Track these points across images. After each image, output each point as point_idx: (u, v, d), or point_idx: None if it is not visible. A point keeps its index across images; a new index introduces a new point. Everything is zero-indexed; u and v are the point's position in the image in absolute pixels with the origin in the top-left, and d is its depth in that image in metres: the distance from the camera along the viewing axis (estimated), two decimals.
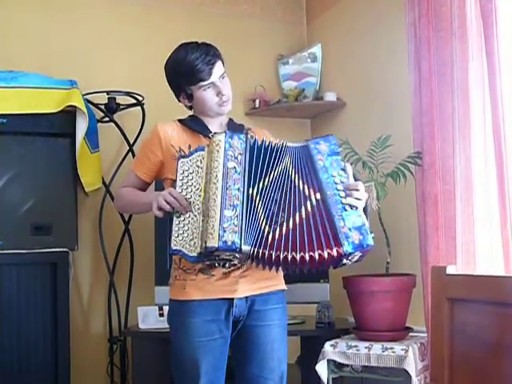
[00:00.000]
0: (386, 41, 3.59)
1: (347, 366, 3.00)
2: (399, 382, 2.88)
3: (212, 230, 2.07)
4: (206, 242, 2.07)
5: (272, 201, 2.14)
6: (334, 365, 3.01)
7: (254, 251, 2.09)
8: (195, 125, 2.48)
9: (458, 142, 2.81)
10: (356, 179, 2.23)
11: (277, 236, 2.10)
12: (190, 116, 2.55)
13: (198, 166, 2.22)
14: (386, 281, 2.99)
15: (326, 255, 2.06)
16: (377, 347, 2.88)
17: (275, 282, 2.42)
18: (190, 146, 2.37)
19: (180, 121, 2.52)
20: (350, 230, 2.08)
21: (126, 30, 3.92)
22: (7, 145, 3.25)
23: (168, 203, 2.20)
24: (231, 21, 4.19)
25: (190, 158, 2.25)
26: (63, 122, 3.32)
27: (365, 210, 2.20)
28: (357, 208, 2.13)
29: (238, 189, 2.13)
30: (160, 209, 2.23)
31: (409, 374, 2.76)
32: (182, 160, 2.26)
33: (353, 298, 3.05)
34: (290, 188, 2.16)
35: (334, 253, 2.06)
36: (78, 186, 3.49)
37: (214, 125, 2.49)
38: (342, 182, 2.16)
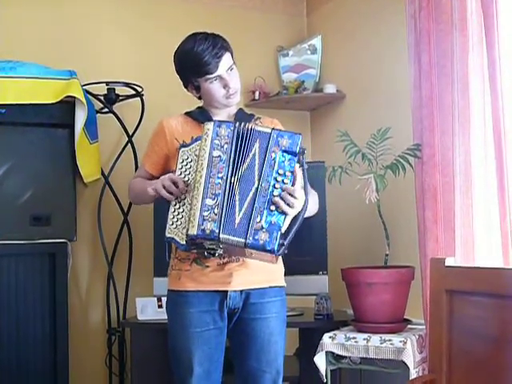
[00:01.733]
0: (386, 33, 3.58)
1: (345, 357, 3.00)
2: (397, 374, 2.88)
3: (193, 219, 2.12)
4: (188, 230, 2.12)
5: (244, 187, 2.16)
6: (333, 356, 3.01)
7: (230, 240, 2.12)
8: (200, 116, 2.48)
9: (457, 135, 2.80)
10: (305, 190, 2.19)
11: (237, 221, 2.13)
12: (198, 107, 2.56)
13: (196, 155, 2.22)
14: (385, 273, 2.98)
15: (240, 242, 2.10)
16: (375, 339, 2.88)
17: (272, 277, 2.42)
18: (192, 138, 2.37)
19: (187, 113, 2.53)
20: (262, 228, 2.09)
21: (125, 20, 3.91)
22: (6, 135, 3.24)
23: (164, 187, 2.22)
24: (231, 12, 4.17)
25: (190, 147, 2.27)
26: (62, 112, 3.31)
27: (295, 219, 2.15)
28: (283, 213, 2.11)
29: (222, 177, 2.16)
30: (155, 190, 2.26)
31: (407, 365, 2.76)
32: (182, 149, 2.28)
33: (351, 290, 3.05)
34: (252, 173, 2.17)
35: (241, 243, 2.10)
36: (77, 177, 3.49)
37: (222, 115, 2.49)
38: (282, 182, 2.13)
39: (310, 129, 4.33)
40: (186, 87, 2.51)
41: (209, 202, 2.12)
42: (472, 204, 2.76)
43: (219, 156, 2.17)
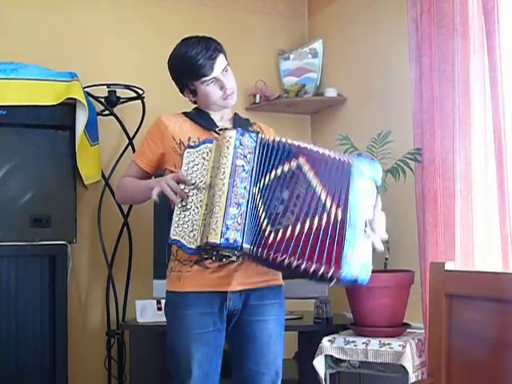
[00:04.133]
0: (388, 37, 3.58)
1: (345, 361, 3.00)
2: (396, 378, 2.88)
3: (215, 226, 2.04)
4: (207, 237, 2.04)
5: (276, 199, 2.10)
6: (332, 360, 3.01)
7: (253, 250, 2.06)
8: (200, 118, 2.48)
9: (458, 139, 2.81)
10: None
11: (279, 238, 2.06)
12: (195, 109, 2.55)
13: (204, 159, 2.19)
14: (385, 277, 2.98)
15: (320, 271, 2.03)
16: (374, 343, 2.88)
17: (271, 276, 2.41)
18: (189, 138, 2.36)
19: (185, 113, 2.52)
20: (354, 261, 2.04)
21: (126, 23, 3.92)
22: (7, 137, 3.24)
23: (170, 187, 2.17)
24: (232, 15, 4.18)
25: (197, 149, 2.22)
26: (63, 114, 3.31)
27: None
28: (371, 243, 2.09)
29: (245, 187, 2.10)
30: (159, 191, 2.19)
31: (406, 369, 2.77)
32: (188, 150, 2.23)
33: (351, 294, 3.04)
34: (306, 192, 2.09)
35: (330, 273, 2.03)
36: (77, 179, 3.48)
37: (216, 117, 2.49)
38: (367, 214, 2.08)
39: (311, 132, 4.33)
40: (182, 92, 2.50)
41: (232, 210, 2.06)
42: (472, 208, 2.76)
43: (242, 166, 2.12)
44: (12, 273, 3.18)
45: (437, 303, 2.51)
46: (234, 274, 2.34)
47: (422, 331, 2.98)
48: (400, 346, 2.81)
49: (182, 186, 2.17)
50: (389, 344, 2.85)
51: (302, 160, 2.13)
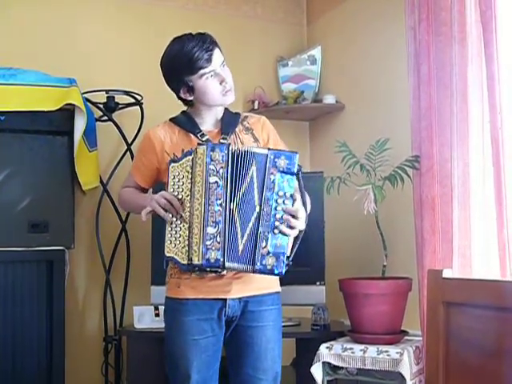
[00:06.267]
0: (386, 44, 3.59)
1: (342, 368, 3.00)
2: None
3: (196, 248, 2.13)
4: (191, 259, 2.14)
5: (244, 212, 2.16)
6: (329, 367, 3.01)
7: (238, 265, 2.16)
8: (186, 123, 2.44)
9: (455, 146, 2.81)
10: (305, 207, 2.19)
11: (241, 247, 2.15)
12: (183, 112, 2.51)
13: (188, 171, 2.22)
14: (382, 284, 2.99)
15: (247, 269, 2.15)
16: (372, 350, 2.88)
17: (269, 284, 2.41)
18: (182, 150, 2.34)
19: (172, 120, 2.49)
20: (268, 253, 2.11)
21: (125, 29, 3.92)
22: (5, 142, 3.24)
23: (160, 205, 2.22)
24: (232, 21, 4.19)
25: (180, 162, 2.24)
26: (62, 120, 3.31)
27: (296, 238, 2.18)
28: (287, 234, 2.14)
29: (221, 204, 2.14)
30: (151, 210, 2.25)
31: (403, 377, 2.76)
32: (172, 165, 2.26)
33: (349, 301, 3.05)
34: (252, 197, 2.17)
35: (249, 269, 2.14)
36: (75, 185, 3.48)
37: (210, 118, 2.45)
38: (283, 203, 2.13)
39: (309, 139, 4.34)
40: (177, 93, 2.42)
41: (210, 230, 2.12)
42: (470, 215, 2.76)
43: (216, 182, 2.15)
44: (9, 278, 3.17)
45: (434, 310, 2.52)
46: (233, 282, 2.34)
47: (420, 338, 2.97)
48: (398, 353, 2.81)
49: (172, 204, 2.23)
50: (386, 351, 2.84)
51: (253, 167, 2.18)
